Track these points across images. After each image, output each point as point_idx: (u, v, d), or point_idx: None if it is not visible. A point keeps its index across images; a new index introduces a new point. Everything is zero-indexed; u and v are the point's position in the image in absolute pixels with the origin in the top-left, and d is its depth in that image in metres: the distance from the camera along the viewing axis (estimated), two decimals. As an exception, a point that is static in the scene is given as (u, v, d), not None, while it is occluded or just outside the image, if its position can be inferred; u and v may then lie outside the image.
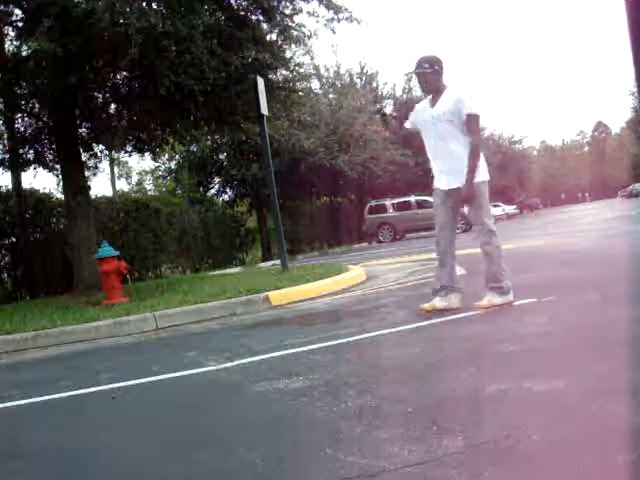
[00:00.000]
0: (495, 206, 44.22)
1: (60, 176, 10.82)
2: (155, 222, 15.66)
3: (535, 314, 3.95)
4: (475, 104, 4.40)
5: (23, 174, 11.91)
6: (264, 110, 9.07)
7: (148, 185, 35.24)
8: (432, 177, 4.71)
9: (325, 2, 9.31)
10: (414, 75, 4.52)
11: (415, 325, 4.13)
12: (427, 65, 4.45)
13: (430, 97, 4.57)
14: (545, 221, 25.81)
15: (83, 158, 10.84)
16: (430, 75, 4.45)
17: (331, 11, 9.35)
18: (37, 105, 10.28)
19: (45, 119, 10.62)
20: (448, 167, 4.48)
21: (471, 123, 4.37)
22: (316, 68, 28.02)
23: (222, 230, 20.42)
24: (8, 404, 3.56)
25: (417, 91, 38.74)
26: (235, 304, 6.48)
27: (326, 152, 25.39)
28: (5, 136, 10.88)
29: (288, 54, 10.07)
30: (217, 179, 26.81)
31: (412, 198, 26.49)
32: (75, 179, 10.00)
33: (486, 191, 4.54)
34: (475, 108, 4.38)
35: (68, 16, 7.47)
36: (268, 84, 9.53)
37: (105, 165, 32.81)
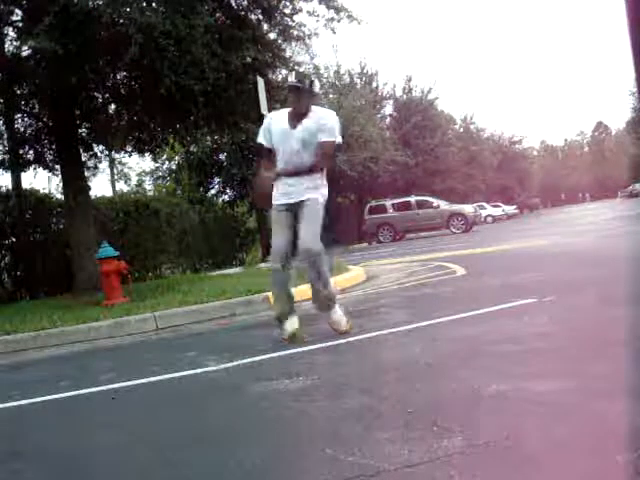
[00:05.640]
0: (495, 206, 44.32)
1: (60, 176, 10.83)
2: (155, 222, 15.64)
3: (535, 314, 3.94)
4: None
5: (23, 174, 11.92)
6: (264, 110, 9.07)
7: (148, 186, 35.26)
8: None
9: (325, 1, 9.32)
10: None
11: (415, 325, 4.13)
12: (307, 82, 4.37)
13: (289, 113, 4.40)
14: (545, 221, 25.81)
15: (83, 158, 10.84)
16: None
17: (331, 11, 9.37)
18: (37, 105, 10.28)
19: (45, 119, 10.62)
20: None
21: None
22: (316, 68, 28.04)
23: (222, 230, 20.41)
24: (8, 404, 3.56)
25: (417, 91, 38.87)
26: (235, 304, 6.48)
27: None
28: (5, 136, 10.88)
29: (288, 53, 10.08)
30: (217, 179, 26.81)
31: (412, 198, 26.52)
32: (75, 179, 10.00)
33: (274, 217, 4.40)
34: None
35: (68, 15, 7.48)
36: (268, 84, 9.54)
37: (105, 165, 32.80)
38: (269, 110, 9.57)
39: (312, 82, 4.41)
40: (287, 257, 4.31)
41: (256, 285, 7.32)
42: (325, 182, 4.41)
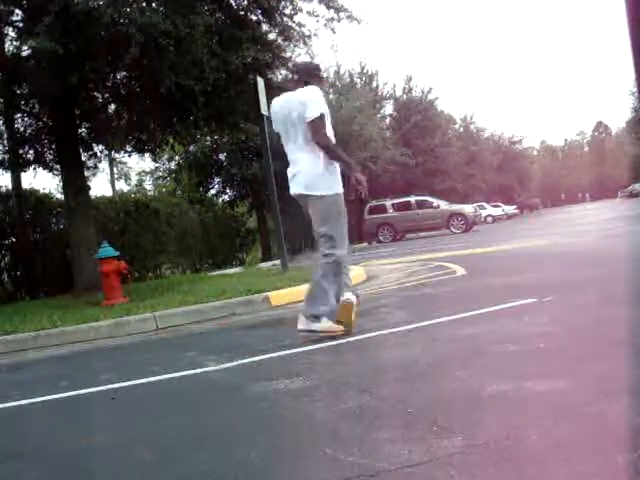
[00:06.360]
0: (495, 206, 44.34)
1: (60, 176, 10.83)
2: (155, 222, 15.66)
3: (535, 314, 3.94)
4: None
5: (23, 174, 11.92)
6: (264, 110, 9.07)
7: (148, 185, 35.32)
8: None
9: (325, 2, 9.33)
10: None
11: (415, 325, 4.13)
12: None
13: None
14: (545, 221, 25.81)
15: (83, 158, 10.85)
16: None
17: (331, 10, 9.38)
18: (37, 105, 10.28)
19: (45, 119, 10.62)
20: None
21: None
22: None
23: (222, 230, 20.43)
24: (8, 404, 3.56)
25: (417, 91, 38.88)
26: (235, 304, 6.48)
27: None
28: (5, 136, 10.88)
29: (288, 53, 10.08)
30: (217, 179, 26.82)
31: (412, 198, 26.51)
32: (75, 179, 10.00)
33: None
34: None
35: (68, 14, 7.48)
36: (268, 84, 9.54)
37: (105, 165, 32.86)
38: (269, 110, 9.58)
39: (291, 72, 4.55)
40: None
41: (256, 285, 7.33)
42: None
